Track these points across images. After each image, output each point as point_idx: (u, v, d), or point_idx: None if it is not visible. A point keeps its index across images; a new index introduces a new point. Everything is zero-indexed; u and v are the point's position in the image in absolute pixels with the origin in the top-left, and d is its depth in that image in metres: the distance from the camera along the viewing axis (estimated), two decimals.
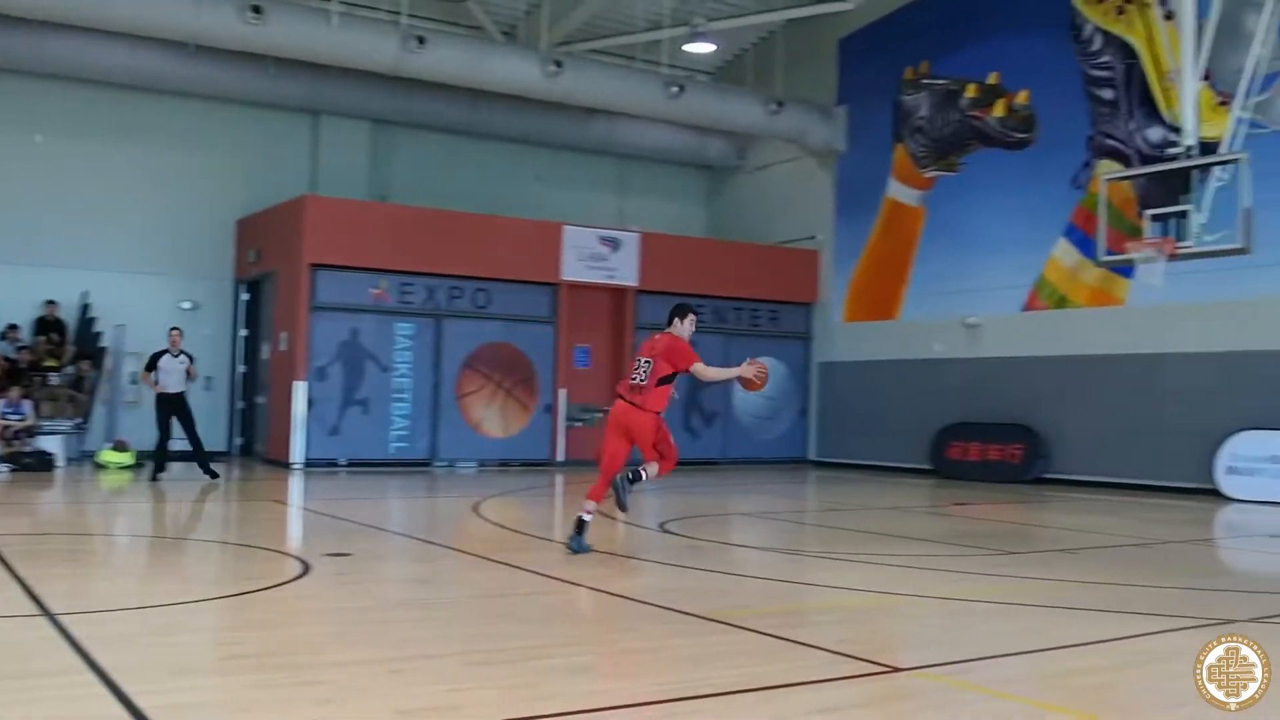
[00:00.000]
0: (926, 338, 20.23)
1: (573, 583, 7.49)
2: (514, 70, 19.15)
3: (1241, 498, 15.05)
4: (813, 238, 22.66)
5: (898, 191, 21.04)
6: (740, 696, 4.57)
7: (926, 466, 19.68)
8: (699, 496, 15.15)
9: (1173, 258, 13.52)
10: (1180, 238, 13.42)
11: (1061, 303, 18.12)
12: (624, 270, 20.68)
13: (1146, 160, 16.47)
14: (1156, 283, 13.77)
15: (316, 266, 18.16)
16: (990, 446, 18.58)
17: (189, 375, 15.00)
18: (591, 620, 6.39)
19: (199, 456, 15.08)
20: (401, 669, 4.96)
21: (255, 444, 19.99)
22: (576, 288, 20.41)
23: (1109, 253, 14.76)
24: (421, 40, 17.91)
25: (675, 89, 20.31)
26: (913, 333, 20.53)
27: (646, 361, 8.77)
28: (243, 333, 20.54)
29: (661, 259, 21.04)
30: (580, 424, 20.39)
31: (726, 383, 10.45)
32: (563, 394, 20.18)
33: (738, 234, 23.68)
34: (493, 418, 19.73)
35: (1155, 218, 13.85)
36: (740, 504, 14.72)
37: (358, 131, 21.20)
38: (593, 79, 19.99)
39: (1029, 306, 18.60)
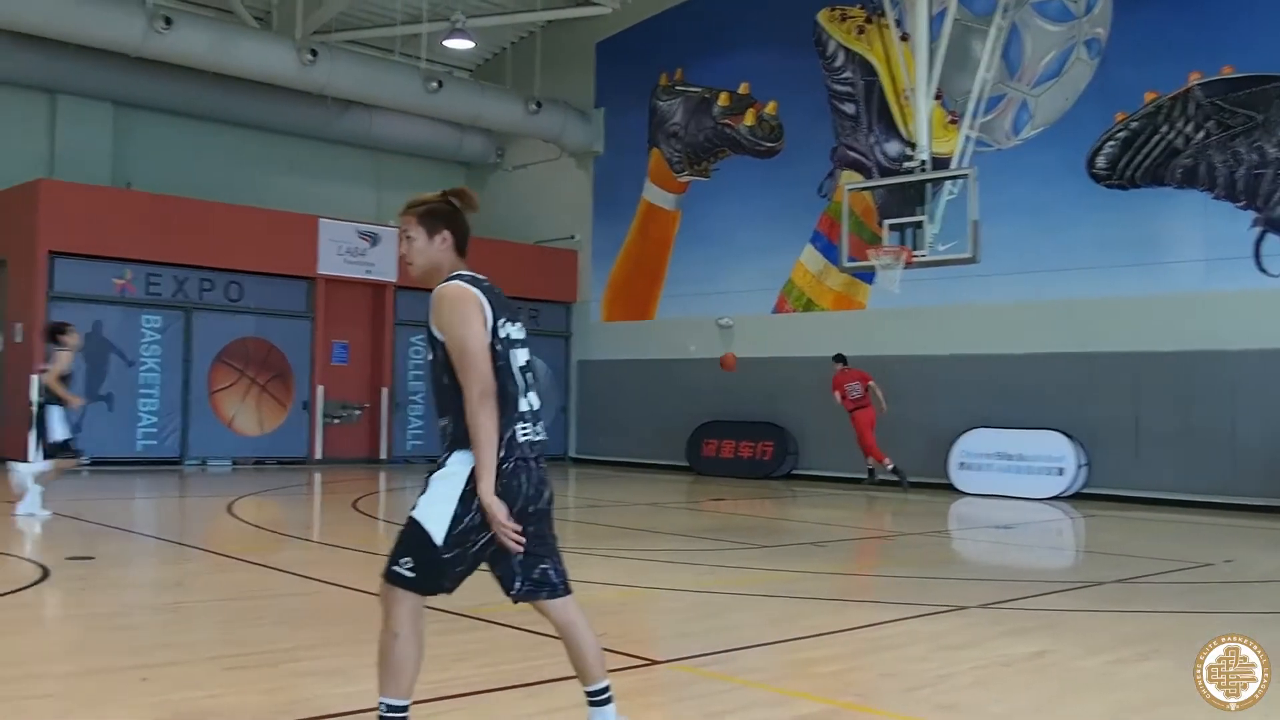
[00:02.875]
0: (682, 337, 20.75)
1: (328, 583, 7.39)
2: (266, 57, 18.63)
3: (972, 491, 16.08)
4: (572, 237, 22.90)
5: (653, 194, 21.50)
6: (502, 694, 4.64)
7: (683, 464, 20.18)
8: None
9: (909, 265, 14.31)
10: (916, 247, 14.24)
11: (808, 306, 18.93)
12: (383, 266, 20.36)
13: (885, 172, 17.40)
14: (894, 289, 14.54)
15: (55, 254, 17.18)
16: (743, 444, 19.23)
17: None
18: (348, 621, 6.31)
19: None
20: (152, 676, 4.81)
21: None
22: (334, 282, 19.99)
23: (851, 259, 15.49)
24: (169, 21, 17.19)
25: (434, 84, 20.18)
26: (669, 332, 21.02)
27: (857, 384, 16.43)
28: None
29: None
30: (338, 421, 19.96)
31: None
32: (320, 390, 19.74)
33: (497, 232, 23.63)
34: (247, 414, 19.11)
35: (893, 227, 14.63)
36: None
37: (99, 113, 20.12)
38: (349, 70, 19.64)
39: (778, 309, 19.35)
